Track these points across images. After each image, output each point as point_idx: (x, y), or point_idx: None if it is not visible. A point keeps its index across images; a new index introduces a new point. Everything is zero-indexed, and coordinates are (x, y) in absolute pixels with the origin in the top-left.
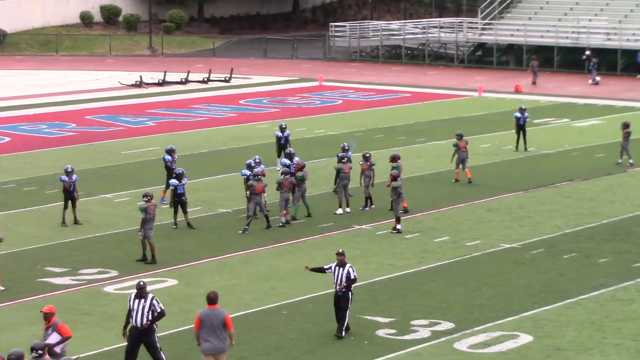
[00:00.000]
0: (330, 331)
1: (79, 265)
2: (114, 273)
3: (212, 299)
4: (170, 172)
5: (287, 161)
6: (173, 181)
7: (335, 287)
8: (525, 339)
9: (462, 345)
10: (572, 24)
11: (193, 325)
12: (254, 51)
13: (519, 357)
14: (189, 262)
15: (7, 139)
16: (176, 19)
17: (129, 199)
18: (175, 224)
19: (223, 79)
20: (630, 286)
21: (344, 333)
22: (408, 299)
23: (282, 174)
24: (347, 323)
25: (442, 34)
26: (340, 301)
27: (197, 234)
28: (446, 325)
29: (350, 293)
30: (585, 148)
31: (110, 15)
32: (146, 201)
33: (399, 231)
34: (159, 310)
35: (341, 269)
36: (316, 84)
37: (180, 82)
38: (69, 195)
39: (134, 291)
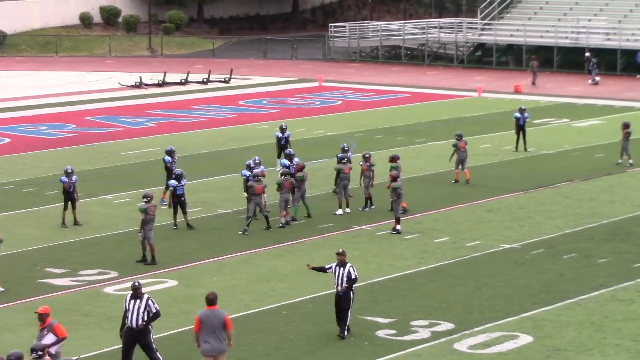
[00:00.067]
0: (330, 332)
1: (79, 266)
2: (113, 274)
3: (211, 300)
4: (170, 173)
5: (286, 162)
6: (172, 182)
7: (336, 287)
8: (525, 339)
9: (462, 345)
10: (572, 24)
11: (193, 327)
12: (253, 52)
13: (519, 357)
14: (189, 263)
15: (7, 140)
16: (176, 19)
17: (128, 200)
18: (175, 224)
19: (222, 79)
20: (630, 286)
21: (345, 333)
22: (408, 299)
23: (281, 174)
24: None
25: (442, 35)
26: (342, 301)
27: (197, 235)
28: (446, 325)
29: (351, 293)
30: (585, 148)
31: (109, 16)
32: (146, 202)
33: (398, 232)
34: (154, 310)
35: (342, 268)
36: (316, 84)
37: (180, 83)
38: (69, 196)
39: (130, 292)
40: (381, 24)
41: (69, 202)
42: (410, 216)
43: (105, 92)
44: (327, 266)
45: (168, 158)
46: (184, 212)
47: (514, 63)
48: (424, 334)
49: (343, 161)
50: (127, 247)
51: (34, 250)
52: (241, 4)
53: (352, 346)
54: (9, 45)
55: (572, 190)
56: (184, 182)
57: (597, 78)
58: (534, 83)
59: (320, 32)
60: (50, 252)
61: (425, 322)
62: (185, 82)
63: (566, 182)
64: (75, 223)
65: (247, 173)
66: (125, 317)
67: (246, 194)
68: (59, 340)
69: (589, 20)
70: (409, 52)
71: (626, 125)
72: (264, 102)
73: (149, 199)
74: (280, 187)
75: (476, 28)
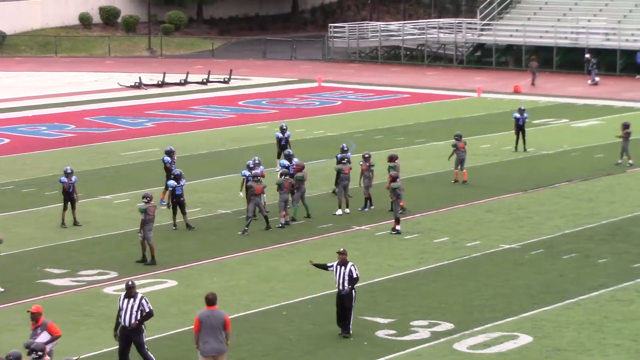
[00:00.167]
0: (330, 332)
1: (79, 266)
2: (113, 274)
3: (211, 300)
4: (169, 173)
5: (285, 162)
6: (171, 182)
7: (338, 286)
8: (524, 339)
9: (461, 346)
10: (571, 25)
11: (192, 327)
12: (253, 52)
13: (519, 357)
14: (189, 263)
15: (7, 140)
16: (175, 20)
17: (128, 200)
18: (175, 225)
19: (222, 80)
20: (630, 287)
21: (345, 333)
22: (407, 299)
23: (281, 175)
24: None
25: (441, 35)
26: (344, 300)
27: (197, 235)
28: (446, 325)
29: (353, 291)
30: (585, 148)
31: (109, 16)
32: (145, 202)
33: (398, 232)
34: (147, 310)
35: (343, 267)
36: (315, 84)
37: (180, 83)
38: (69, 196)
39: (124, 291)
40: (380, 24)
41: (69, 203)
42: (410, 216)
43: (105, 93)
44: (328, 264)
45: (168, 158)
46: (183, 213)
47: (513, 63)
48: (424, 334)
49: (343, 161)
50: (127, 247)
51: (33, 251)
52: (241, 4)
53: (352, 346)
54: (8, 45)
55: (572, 191)
56: (183, 182)
57: (597, 78)
58: (533, 83)
59: (319, 32)
60: (50, 252)
61: (425, 322)
62: (185, 83)
63: (566, 182)
64: (75, 223)
65: (247, 173)
66: (119, 316)
67: (242, 193)
68: (54, 338)
69: (589, 20)
70: (408, 53)
71: (626, 126)
72: (264, 102)
73: (148, 199)
74: (279, 187)
75: (476, 28)
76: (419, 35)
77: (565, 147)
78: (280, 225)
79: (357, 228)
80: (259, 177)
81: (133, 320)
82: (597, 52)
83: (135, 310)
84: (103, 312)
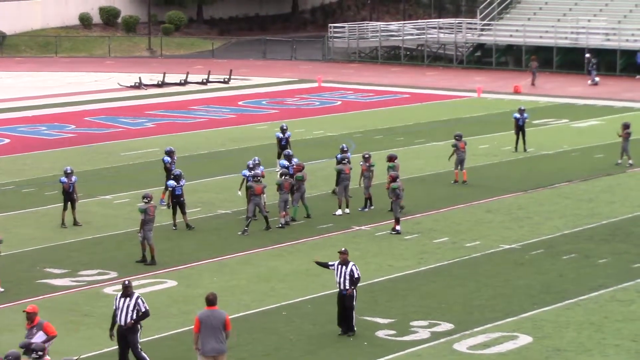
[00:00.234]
0: (330, 332)
1: (79, 266)
2: (113, 274)
3: (211, 301)
4: (169, 173)
5: (285, 162)
6: (171, 182)
7: (339, 285)
8: (524, 339)
9: (461, 346)
10: (571, 25)
11: (192, 327)
12: (253, 52)
13: (519, 358)
14: (189, 263)
15: (7, 140)
16: (175, 20)
17: (128, 200)
18: (175, 225)
19: (222, 80)
20: (630, 287)
21: (350, 332)
22: (407, 299)
23: (280, 175)
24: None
25: (441, 35)
26: (346, 300)
27: (197, 235)
28: (445, 326)
29: (354, 291)
30: (585, 149)
31: (109, 16)
32: (145, 202)
33: (398, 232)
34: (143, 310)
35: (344, 267)
36: (315, 85)
37: (180, 84)
38: (69, 196)
39: (121, 290)
40: (380, 24)
41: (69, 203)
42: (410, 216)
43: (105, 93)
44: (330, 263)
45: (167, 158)
46: (183, 213)
47: (513, 63)
48: (424, 334)
49: (343, 162)
50: (127, 247)
51: (33, 251)
52: (241, 4)
53: (352, 346)
54: (8, 45)
55: (572, 191)
56: (182, 182)
57: (597, 78)
58: (533, 83)
59: (319, 32)
60: (50, 252)
61: (424, 323)
62: (185, 83)
63: (565, 182)
64: (75, 223)
65: (248, 173)
66: (115, 315)
67: (240, 192)
68: (50, 338)
69: (589, 20)
70: (408, 53)
71: (626, 126)
72: (264, 102)
73: (148, 199)
74: (279, 187)
75: (475, 28)
76: (418, 35)
77: (565, 147)
78: (280, 225)
79: (357, 228)
80: (259, 177)
81: (129, 320)
82: (597, 52)
83: (131, 309)
84: (103, 312)
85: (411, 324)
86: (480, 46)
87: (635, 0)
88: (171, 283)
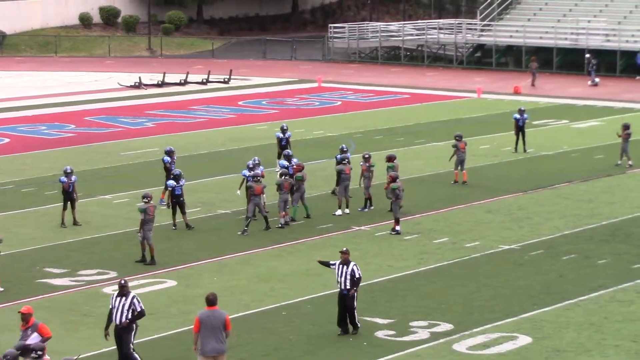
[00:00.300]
0: (330, 332)
1: (78, 266)
2: (113, 274)
3: (211, 301)
4: (169, 173)
5: (285, 163)
6: (170, 182)
7: (340, 285)
8: (524, 340)
9: (461, 346)
10: (571, 25)
11: (192, 327)
12: (253, 52)
13: (518, 358)
14: (188, 263)
15: (6, 140)
16: (175, 20)
17: (128, 200)
18: (174, 225)
19: (222, 80)
20: (630, 287)
21: (354, 329)
22: (407, 300)
23: (280, 175)
24: (347, 323)
25: (441, 35)
26: (347, 300)
27: (196, 235)
28: (445, 326)
29: (355, 291)
30: (585, 149)
31: (109, 16)
32: (145, 202)
33: (398, 232)
34: (138, 309)
35: (345, 267)
36: (315, 85)
37: (179, 84)
38: (68, 196)
39: (117, 290)
40: (380, 24)
41: (68, 202)
42: (410, 217)
43: (105, 93)
44: (331, 262)
45: (167, 158)
46: (183, 213)
47: (513, 64)
48: (423, 334)
49: (344, 162)
50: (127, 247)
51: (33, 250)
52: (241, 4)
53: (352, 347)
54: (8, 45)
55: (572, 191)
56: (182, 182)
57: (597, 79)
58: (533, 84)
59: (319, 32)
60: (50, 252)
61: (424, 323)
62: (185, 83)
63: (565, 183)
64: (75, 223)
65: (247, 173)
66: (110, 314)
67: (239, 192)
68: (44, 339)
69: (589, 21)
70: (408, 53)
71: (626, 127)
72: (264, 102)
73: (148, 199)
74: (279, 187)
75: (475, 29)
76: (419, 35)
77: (565, 148)
78: (279, 225)
79: (357, 228)
80: (258, 178)
81: (124, 319)
82: (597, 53)
83: (127, 309)
84: (102, 312)
85: (411, 324)
86: (480, 47)
87: (635, 1)
88: (171, 283)
